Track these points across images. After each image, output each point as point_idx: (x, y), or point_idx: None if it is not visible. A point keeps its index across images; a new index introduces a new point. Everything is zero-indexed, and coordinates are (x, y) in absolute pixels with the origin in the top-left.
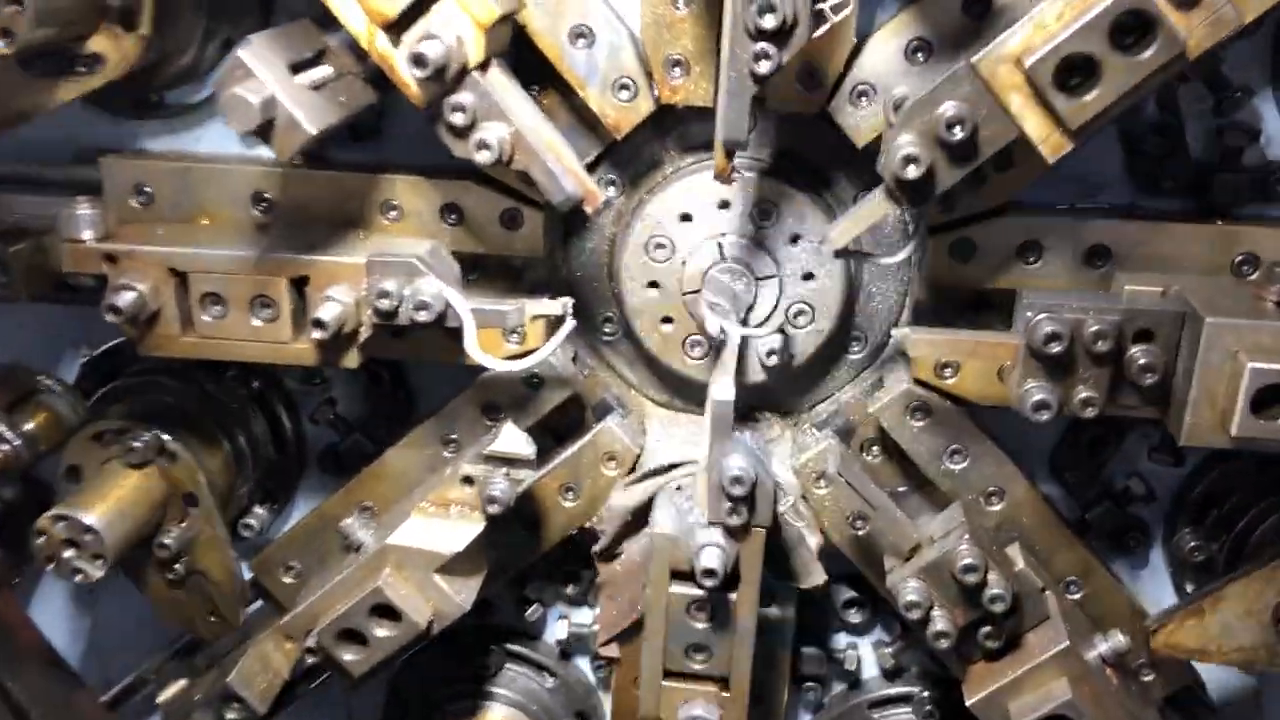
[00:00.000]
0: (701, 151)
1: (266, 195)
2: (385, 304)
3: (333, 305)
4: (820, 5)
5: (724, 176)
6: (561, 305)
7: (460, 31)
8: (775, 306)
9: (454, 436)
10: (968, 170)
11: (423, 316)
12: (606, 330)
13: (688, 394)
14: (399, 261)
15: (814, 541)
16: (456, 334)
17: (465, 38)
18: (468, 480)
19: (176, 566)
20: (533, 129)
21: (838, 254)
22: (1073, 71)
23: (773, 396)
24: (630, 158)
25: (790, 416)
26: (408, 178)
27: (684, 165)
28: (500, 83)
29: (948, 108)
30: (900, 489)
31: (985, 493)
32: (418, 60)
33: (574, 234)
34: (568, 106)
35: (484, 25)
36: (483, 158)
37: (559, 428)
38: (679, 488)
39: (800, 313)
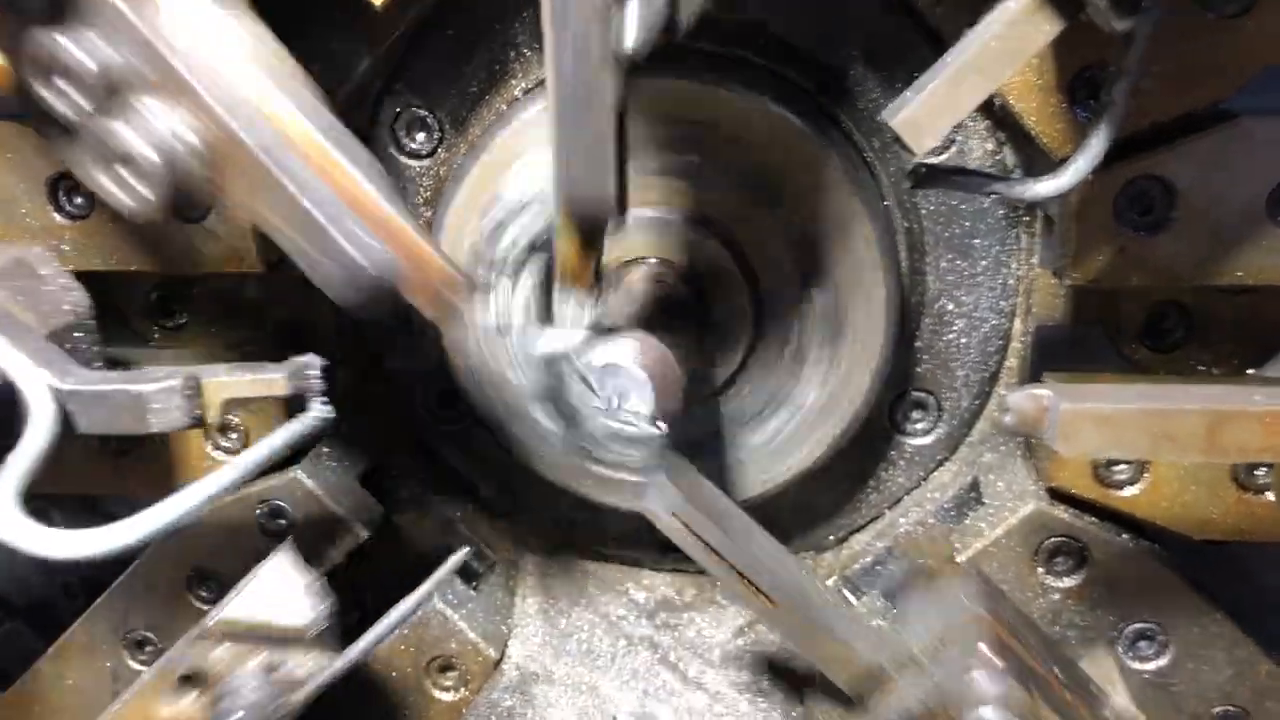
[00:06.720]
0: None
1: None
2: None
3: None
4: None
5: (578, 289)
6: (290, 373)
7: None
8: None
9: (144, 632)
10: None
11: None
12: (439, 412)
13: (608, 524)
14: None
15: None
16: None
17: None
18: (191, 681)
19: None
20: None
21: (917, 178)
22: None
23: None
24: (444, 67)
25: None
26: None
27: None
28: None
29: None
30: None
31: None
32: None
33: None
34: None
35: None
36: (138, 197)
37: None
38: None
39: None
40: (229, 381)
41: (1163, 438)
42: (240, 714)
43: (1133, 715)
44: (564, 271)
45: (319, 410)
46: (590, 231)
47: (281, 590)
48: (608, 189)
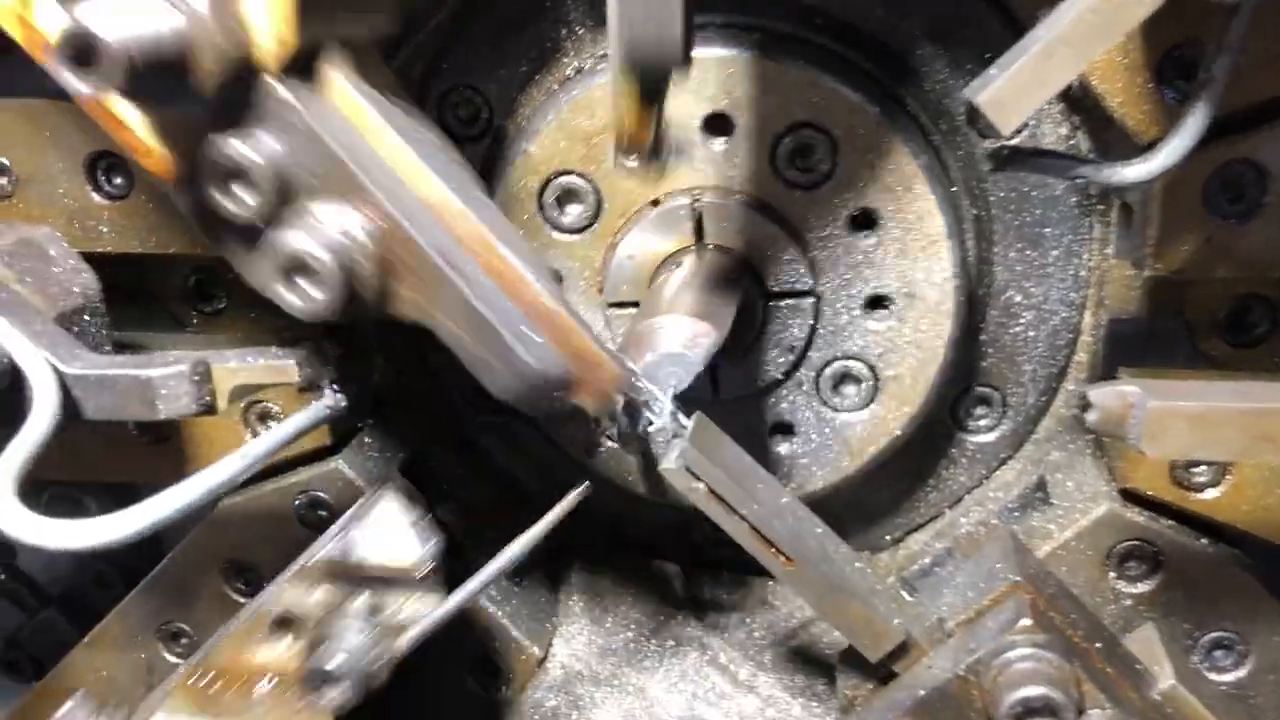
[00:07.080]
0: None
1: None
2: None
3: None
4: None
5: (636, 151)
6: (303, 359)
7: None
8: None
9: (179, 624)
10: None
11: None
12: (481, 403)
13: (656, 520)
14: None
15: None
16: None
17: None
18: (284, 625)
19: None
20: (434, 212)
21: (998, 160)
22: None
23: None
24: (491, 45)
25: None
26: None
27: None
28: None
29: None
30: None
31: None
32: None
33: None
34: None
35: None
36: (313, 301)
37: None
38: None
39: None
40: (240, 367)
41: (1261, 438)
42: (339, 660)
43: (1182, 697)
44: (621, 129)
45: (330, 398)
46: (652, 83)
47: (386, 527)
48: (673, 31)
